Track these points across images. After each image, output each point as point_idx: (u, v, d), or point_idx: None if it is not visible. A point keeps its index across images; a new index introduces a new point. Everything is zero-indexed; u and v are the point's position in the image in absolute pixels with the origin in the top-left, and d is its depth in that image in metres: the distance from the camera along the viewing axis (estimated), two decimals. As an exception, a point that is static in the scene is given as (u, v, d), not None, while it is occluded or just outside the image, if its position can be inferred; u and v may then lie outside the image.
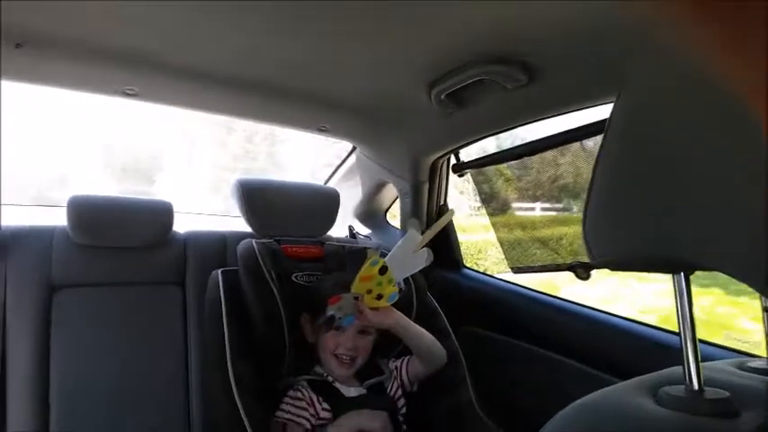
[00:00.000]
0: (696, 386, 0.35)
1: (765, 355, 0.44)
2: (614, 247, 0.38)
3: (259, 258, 1.13)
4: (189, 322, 1.27)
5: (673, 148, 0.34)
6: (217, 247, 1.36)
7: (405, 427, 1.08)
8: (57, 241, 1.23)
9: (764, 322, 0.43)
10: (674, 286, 0.37)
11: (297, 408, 1.01)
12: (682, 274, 0.36)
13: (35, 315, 1.15)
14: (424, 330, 1.10)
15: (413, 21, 0.88)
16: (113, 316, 1.22)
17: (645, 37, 0.39)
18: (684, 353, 0.36)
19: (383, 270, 0.99)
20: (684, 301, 0.36)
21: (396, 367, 1.14)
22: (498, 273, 1.56)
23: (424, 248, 0.99)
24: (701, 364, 0.37)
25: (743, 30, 0.12)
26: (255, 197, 1.32)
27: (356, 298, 1.01)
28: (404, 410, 1.10)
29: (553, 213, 1.61)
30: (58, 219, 1.25)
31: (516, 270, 1.33)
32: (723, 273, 0.32)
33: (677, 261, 0.35)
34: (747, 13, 0.12)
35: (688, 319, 0.36)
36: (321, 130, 1.48)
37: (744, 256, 0.30)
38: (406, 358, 1.14)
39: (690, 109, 0.33)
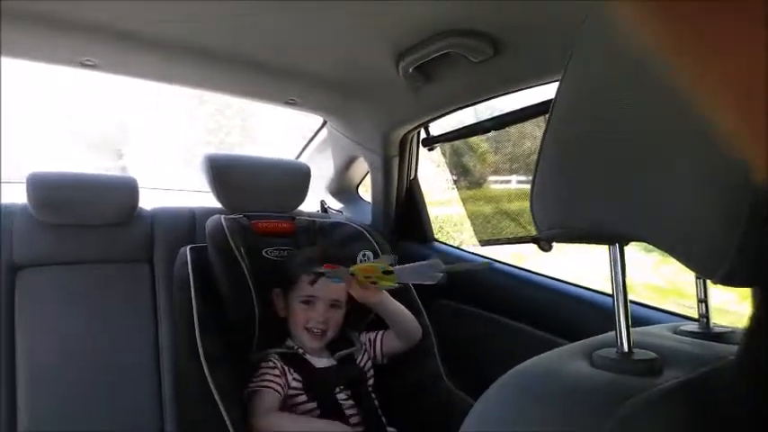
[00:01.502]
0: (626, 348, 0.37)
1: (697, 320, 0.47)
2: (556, 221, 0.40)
3: (228, 234, 1.12)
4: (158, 300, 1.26)
5: (609, 124, 0.36)
6: (185, 224, 1.34)
7: (374, 395, 1.12)
8: (17, 220, 1.19)
9: (697, 289, 0.46)
10: (610, 256, 0.39)
11: (271, 375, 1.03)
12: (616, 245, 0.38)
13: None
14: (403, 308, 1.13)
15: None
16: (80, 295, 1.20)
17: (594, 14, 0.40)
18: (617, 318, 0.38)
19: (387, 272, 0.99)
20: (618, 270, 0.38)
21: (369, 340, 1.17)
22: (474, 246, 1.58)
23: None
24: (634, 328, 0.39)
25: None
26: (225, 172, 1.31)
27: (352, 274, 1.02)
28: (372, 381, 1.14)
29: (526, 186, 1.65)
30: (17, 196, 1.21)
31: (484, 243, 1.36)
32: (651, 245, 0.34)
33: (611, 233, 0.37)
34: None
35: (621, 287, 0.38)
36: (290, 104, 1.46)
37: (669, 231, 0.32)
38: (381, 332, 1.17)
39: (627, 86, 0.34)
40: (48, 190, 1.19)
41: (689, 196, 0.30)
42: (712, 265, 0.30)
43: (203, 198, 1.51)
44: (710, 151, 0.29)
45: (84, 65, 1.17)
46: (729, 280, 0.29)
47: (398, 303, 1.13)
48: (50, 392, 1.11)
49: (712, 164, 0.29)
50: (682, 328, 0.46)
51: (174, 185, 2.09)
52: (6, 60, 1.12)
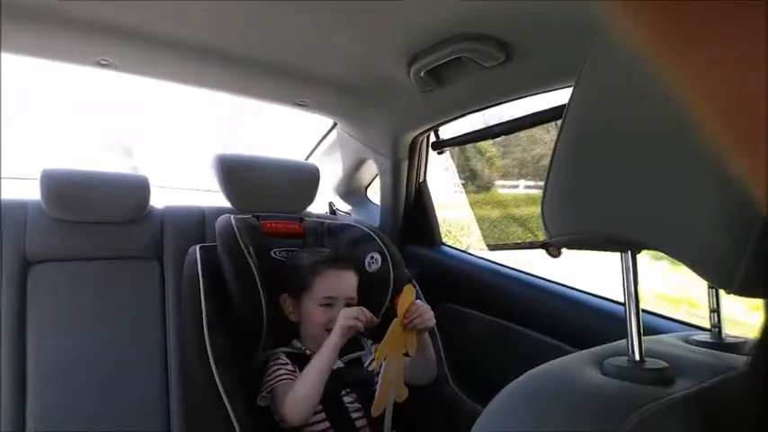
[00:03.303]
0: (638, 357, 0.37)
1: (709, 329, 0.47)
2: (568, 227, 0.40)
3: (237, 234, 1.13)
4: (167, 298, 1.27)
5: (623, 132, 0.36)
6: (195, 223, 1.36)
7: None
8: (30, 215, 1.21)
9: (709, 299, 0.46)
10: (622, 264, 0.39)
11: (284, 369, 1.03)
12: (629, 252, 0.38)
13: (10, 291, 1.14)
14: (432, 352, 1.13)
15: None
16: (90, 291, 1.21)
17: (601, 21, 0.40)
18: (629, 326, 0.38)
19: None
20: (630, 278, 0.38)
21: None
22: (481, 250, 1.58)
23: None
24: (645, 336, 0.39)
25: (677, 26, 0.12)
26: (235, 172, 1.32)
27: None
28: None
29: (536, 192, 1.64)
30: (31, 192, 1.23)
31: (492, 247, 1.36)
32: (665, 253, 0.34)
33: (624, 240, 0.37)
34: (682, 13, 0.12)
35: (633, 295, 0.38)
36: (301, 105, 1.47)
37: (683, 239, 0.32)
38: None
39: (642, 95, 0.34)
40: (60, 186, 1.21)
41: (702, 206, 0.30)
42: (725, 275, 0.30)
43: (214, 197, 1.52)
44: (723, 162, 0.29)
45: (99, 64, 1.19)
46: (742, 290, 0.29)
47: (431, 347, 1.13)
48: (58, 387, 1.13)
49: (725, 174, 0.29)
50: (693, 337, 0.46)
51: (185, 184, 2.10)
52: (18, 58, 1.14)
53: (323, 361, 0.98)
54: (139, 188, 1.29)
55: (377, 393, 0.98)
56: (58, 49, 1.12)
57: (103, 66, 1.20)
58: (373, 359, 1.11)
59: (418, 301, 1.01)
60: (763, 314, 0.33)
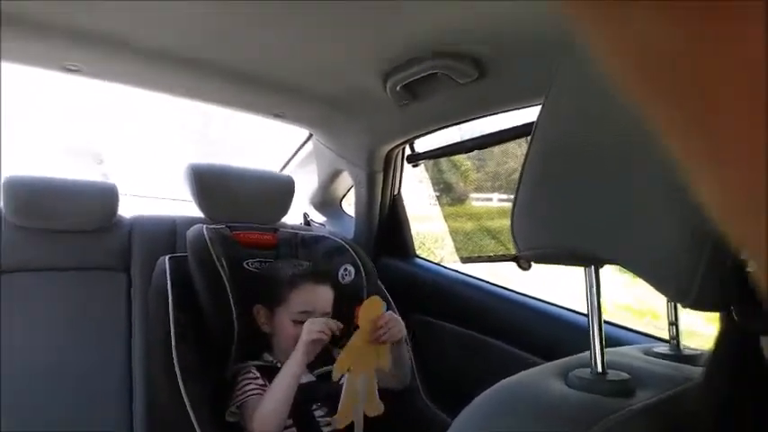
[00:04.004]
0: (600, 369, 0.38)
1: (668, 341, 0.49)
2: (535, 241, 0.41)
3: (209, 245, 1.11)
4: (134, 309, 1.24)
5: (588, 150, 0.37)
6: (165, 233, 1.33)
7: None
8: None
9: (668, 312, 0.48)
10: (585, 278, 0.40)
11: (254, 384, 1.02)
12: (592, 267, 0.40)
13: None
14: (406, 354, 1.14)
15: (368, 12, 0.88)
16: (54, 302, 1.17)
17: (570, 40, 0.42)
18: (592, 339, 0.39)
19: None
20: (593, 292, 0.40)
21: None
22: (454, 262, 1.60)
23: None
24: (608, 348, 0.41)
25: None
26: (208, 182, 1.30)
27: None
28: None
29: (509, 205, 1.67)
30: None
31: (465, 260, 1.38)
32: (625, 268, 0.36)
33: (587, 255, 0.38)
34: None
35: (596, 309, 0.39)
36: (277, 116, 1.47)
37: (641, 255, 0.34)
38: None
39: (607, 114, 0.36)
40: (24, 194, 1.17)
41: (661, 223, 0.32)
42: (682, 290, 0.31)
43: (185, 207, 1.50)
44: (679, 180, 0.31)
45: (68, 69, 1.16)
46: (698, 304, 0.31)
47: (405, 350, 1.13)
48: (21, 401, 1.08)
49: (682, 192, 0.31)
50: (654, 349, 0.47)
51: (156, 193, 2.06)
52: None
53: (290, 376, 0.97)
54: (107, 196, 1.26)
55: (339, 406, 0.97)
56: (25, 52, 1.09)
57: (72, 71, 1.17)
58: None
59: (388, 312, 1.01)
60: (717, 327, 0.34)
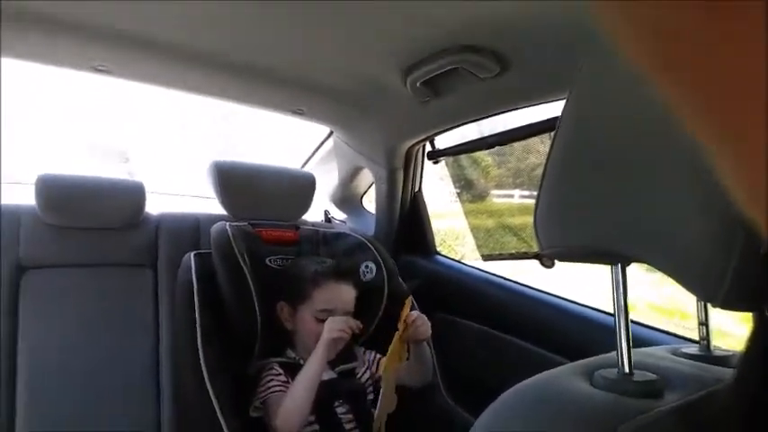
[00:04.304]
0: (627, 369, 0.37)
1: (698, 342, 0.47)
2: (560, 239, 0.40)
3: (232, 241, 1.13)
4: (160, 305, 1.27)
5: (614, 147, 0.36)
6: (190, 230, 1.35)
7: (373, 410, 1.11)
8: (24, 221, 1.20)
9: (698, 312, 0.46)
10: (612, 277, 0.39)
11: (276, 381, 1.03)
12: (618, 265, 0.39)
13: (3, 297, 1.13)
14: (428, 352, 1.15)
15: (387, 7, 0.88)
16: (83, 298, 1.21)
17: (594, 36, 0.41)
18: (618, 339, 0.38)
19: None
20: (620, 290, 0.39)
21: (377, 360, 1.17)
22: (475, 260, 1.59)
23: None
24: (635, 349, 0.40)
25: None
26: (231, 180, 1.32)
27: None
28: (372, 396, 1.13)
29: (531, 201, 1.65)
30: (24, 197, 1.22)
31: (486, 257, 1.37)
32: (652, 267, 0.35)
33: (614, 253, 0.37)
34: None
35: (622, 308, 0.39)
36: (298, 113, 1.48)
37: (670, 254, 0.33)
38: None
39: (633, 110, 0.35)
40: (56, 192, 1.20)
41: (689, 220, 0.31)
42: (711, 290, 0.30)
43: (209, 204, 1.52)
44: (707, 177, 0.30)
45: (97, 69, 1.19)
46: (729, 304, 0.30)
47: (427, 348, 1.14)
48: (48, 396, 1.11)
49: (711, 190, 0.30)
50: (682, 350, 0.46)
51: (180, 191, 2.10)
52: (14, 61, 1.14)
53: (311, 374, 0.98)
54: (135, 194, 1.29)
55: (378, 407, 0.97)
56: (56, 54, 1.12)
57: (101, 71, 1.20)
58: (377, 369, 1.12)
59: (414, 312, 1.02)
60: (749, 327, 0.33)
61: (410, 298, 1.02)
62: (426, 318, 1.04)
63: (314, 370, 0.99)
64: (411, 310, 1.04)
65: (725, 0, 0.11)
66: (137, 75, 1.26)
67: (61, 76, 1.28)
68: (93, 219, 1.24)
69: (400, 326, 0.99)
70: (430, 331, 1.05)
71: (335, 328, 0.99)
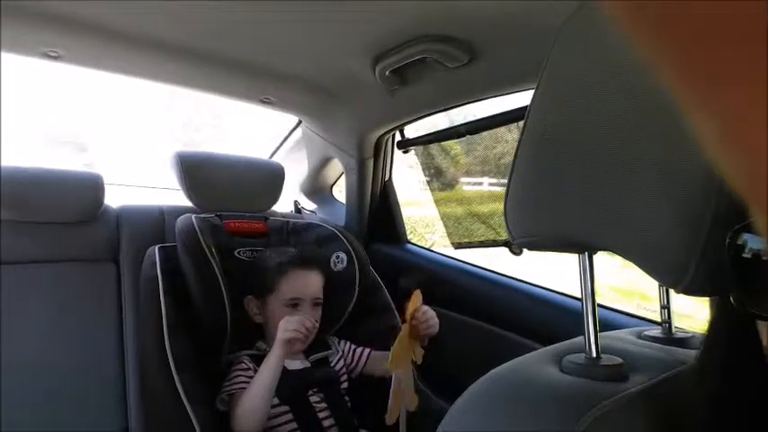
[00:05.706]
0: (594, 354, 0.38)
1: (660, 324, 0.49)
2: (528, 229, 0.41)
3: (199, 234, 1.10)
4: (124, 300, 1.22)
5: (582, 138, 0.37)
6: (154, 223, 1.31)
7: (347, 398, 1.11)
8: None
9: (660, 295, 0.48)
10: (579, 264, 0.40)
11: (244, 377, 1.01)
12: (585, 254, 0.40)
13: None
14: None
15: None
16: (42, 295, 1.15)
17: (567, 26, 0.41)
18: (585, 324, 0.39)
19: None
20: (587, 278, 0.40)
21: (353, 351, 1.17)
22: (445, 247, 1.60)
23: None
24: (601, 333, 0.41)
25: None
26: (196, 171, 1.28)
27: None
28: (345, 384, 1.13)
29: (499, 189, 1.67)
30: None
31: (457, 246, 1.38)
32: (619, 255, 0.36)
33: (581, 243, 0.38)
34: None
35: (590, 295, 0.39)
36: (265, 102, 1.44)
37: (635, 242, 0.33)
38: (369, 351, 1.17)
39: (600, 101, 0.35)
40: (6, 185, 1.14)
41: (652, 209, 0.32)
42: (674, 276, 0.31)
43: (173, 196, 1.47)
44: (673, 166, 0.31)
45: (47, 56, 1.13)
46: (690, 290, 0.31)
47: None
48: (14, 393, 1.06)
49: (674, 178, 0.30)
50: (646, 332, 0.48)
51: (143, 182, 2.03)
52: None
53: (268, 374, 0.96)
54: (92, 186, 1.24)
55: (390, 404, 0.94)
56: (3, 38, 1.05)
57: (52, 57, 1.14)
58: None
59: (424, 306, 0.99)
60: (709, 311, 0.35)
61: (418, 291, 0.96)
62: (434, 313, 1.00)
63: (272, 370, 0.97)
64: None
65: None
66: (92, 62, 1.20)
67: (10, 62, 1.21)
68: (47, 213, 1.18)
69: (407, 319, 0.94)
70: (437, 327, 1.01)
71: (290, 328, 0.97)
